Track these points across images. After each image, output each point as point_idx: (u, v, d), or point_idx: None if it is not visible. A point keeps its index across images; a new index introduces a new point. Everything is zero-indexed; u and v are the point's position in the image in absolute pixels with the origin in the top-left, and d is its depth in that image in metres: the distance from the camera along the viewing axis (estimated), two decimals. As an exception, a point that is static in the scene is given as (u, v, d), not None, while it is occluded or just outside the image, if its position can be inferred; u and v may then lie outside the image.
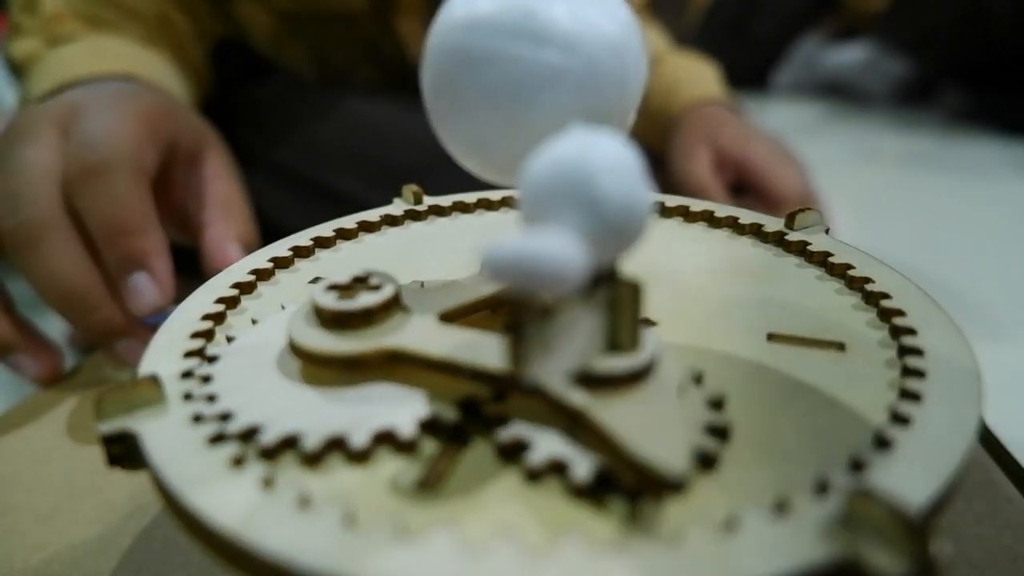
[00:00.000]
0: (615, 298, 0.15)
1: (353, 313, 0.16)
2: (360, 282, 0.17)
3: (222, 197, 0.35)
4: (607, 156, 0.13)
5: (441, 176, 0.32)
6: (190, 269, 0.34)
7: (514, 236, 0.12)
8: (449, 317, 0.17)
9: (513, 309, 0.13)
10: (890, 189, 0.91)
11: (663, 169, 0.59)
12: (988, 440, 0.26)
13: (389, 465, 0.14)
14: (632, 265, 0.20)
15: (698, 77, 0.64)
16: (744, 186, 0.57)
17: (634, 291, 0.15)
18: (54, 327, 0.32)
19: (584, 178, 0.13)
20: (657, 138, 0.60)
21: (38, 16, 0.42)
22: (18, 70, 0.43)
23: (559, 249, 0.12)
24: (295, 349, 0.16)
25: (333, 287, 0.17)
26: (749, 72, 1.33)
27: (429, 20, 0.16)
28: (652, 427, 0.13)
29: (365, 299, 0.17)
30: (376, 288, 0.17)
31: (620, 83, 0.16)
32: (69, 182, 0.30)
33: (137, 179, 0.30)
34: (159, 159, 0.33)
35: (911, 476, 0.13)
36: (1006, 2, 1.03)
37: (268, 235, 0.36)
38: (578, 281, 0.12)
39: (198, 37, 0.50)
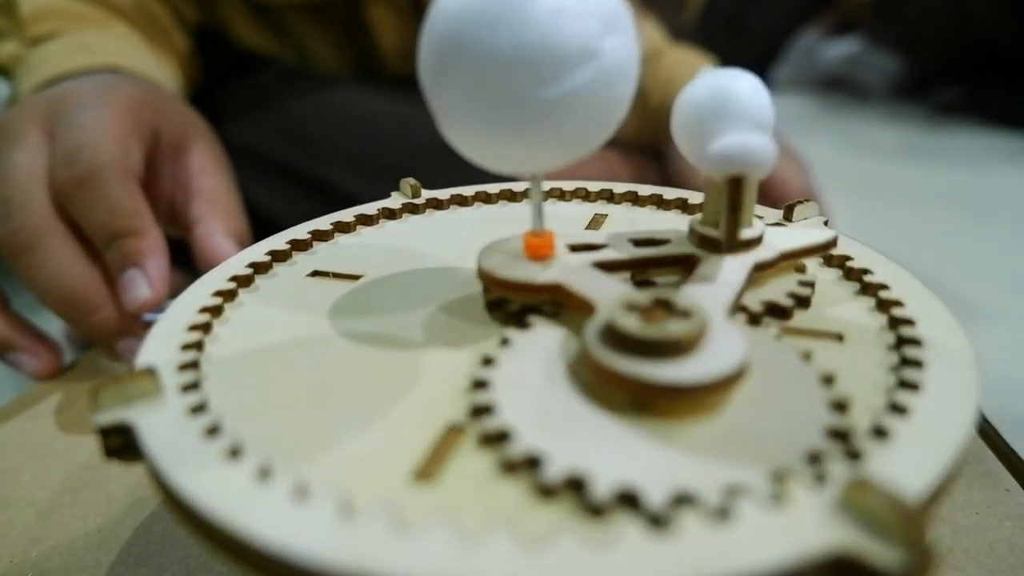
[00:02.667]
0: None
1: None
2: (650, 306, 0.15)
3: (210, 191, 0.35)
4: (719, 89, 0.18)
5: (434, 169, 0.32)
6: (188, 262, 0.34)
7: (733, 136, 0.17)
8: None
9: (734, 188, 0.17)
10: (884, 180, 0.91)
11: (664, 164, 0.60)
12: (986, 431, 0.26)
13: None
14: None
15: (697, 72, 0.64)
16: None
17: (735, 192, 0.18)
18: (52, 322, 0.32)
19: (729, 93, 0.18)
20: (656, 133, 0.61)
21: (15, 17, 0.42)
22: (3, 72, 0.42)
23: (761, 141, 0.17)
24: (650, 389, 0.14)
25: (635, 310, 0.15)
26: (747, 67, 1.33)
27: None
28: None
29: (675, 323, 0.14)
30: (666, 304, 0.15)
31: (631, 67, 0.16)
32: (59, 191, 0.30)
33: (126, 182, 0.30)
34: (144, 152, 0.33)
35: (909, 465, 0.13)
36: (990, 1, 1.04)
37: (258, 228, 0.36)
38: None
39: (179, 26, 0.50)
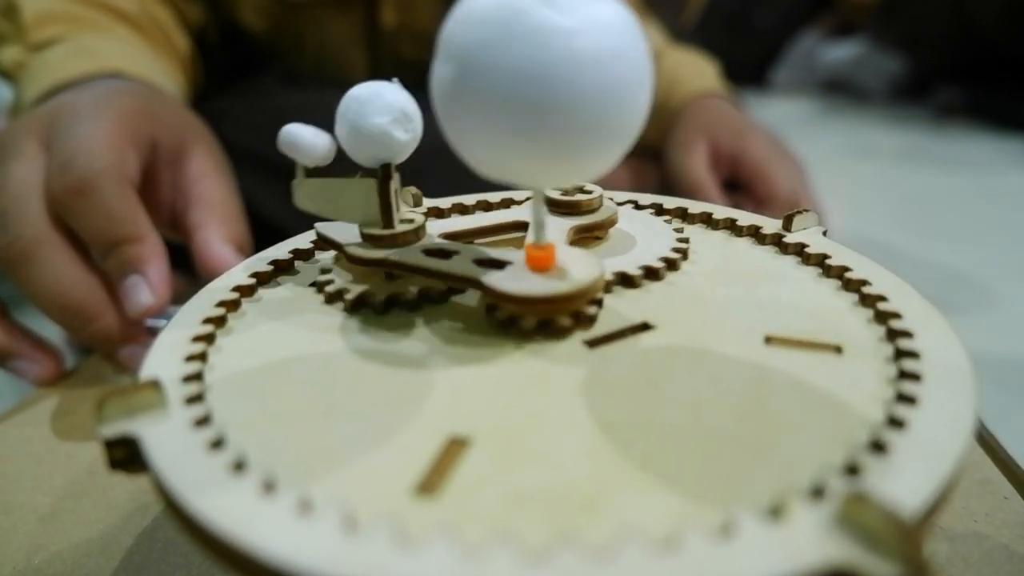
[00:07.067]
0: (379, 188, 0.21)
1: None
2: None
3: (209, 197, 0.35)
4: (368, 93, 0.20)
5: (436, 172, 0.32)
6: (187, 266, 0.34)
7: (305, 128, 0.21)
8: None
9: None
10: (885, 182, 0.91)
11: (662, 163, 0.60)
12: (985, 438, 0.26)
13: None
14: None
15: (698, 71, 0.64)
16: (738, 182, 0.57)
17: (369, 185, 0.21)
18: (52, 328, 0.32)
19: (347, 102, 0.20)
20: (657, 132, 0.61)
21: (18, 22, 0.42)
22: (7, 77, 0.42)
23: (312, 134, 0.21)
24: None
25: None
26: (748, 68, 1.33)
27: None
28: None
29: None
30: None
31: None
32: (55, 200, 0.30)
33: (122, 189, 0.30)
34: (141, 162, 0.33)
35: (907, 480, 0.13)
36: (988, 3, 1.04)
37: (260, 231, 0.36)
38: (322, 157, 0.21)
39: (182, 29, 0.50)
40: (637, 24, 0.16)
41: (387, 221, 0.21)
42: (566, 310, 0.18)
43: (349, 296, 0.20)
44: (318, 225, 0.23)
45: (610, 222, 0.23)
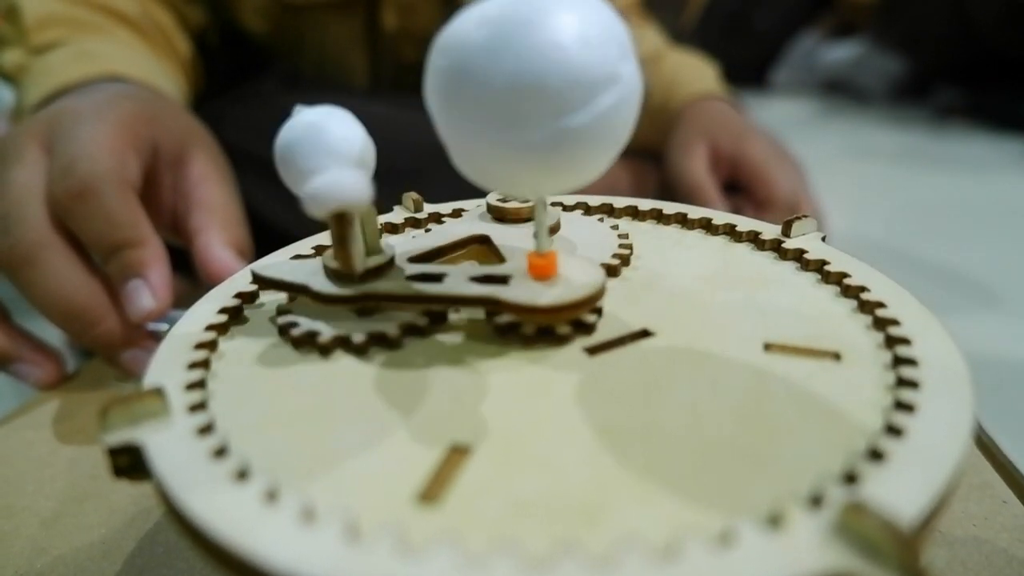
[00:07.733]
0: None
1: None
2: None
3: (210, 201, 0.35)
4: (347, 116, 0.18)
5: (434, 177, 0.32)
6: (189, 270, 0.34)
7: (324, 175, 0.16)
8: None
9: (339, 224, 0.17)
10: (885, 183, 0.91)
11: (662, 165, 0.60)
12: (983, 441, 0.26)
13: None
14: (630, 271, 0.21)
15: (698, 73, 0.64)
16: (738, 185, 0.57)
17: (369, 211, 0.19)
18: (52, 331, 0.32)
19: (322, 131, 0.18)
20: (657, 134, 0.61)
21: (19, 25, 0.42)
22: (8, 80, 0.42)
23: (351, 174, 0.16)
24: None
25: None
26: (748, 69, 1.33)
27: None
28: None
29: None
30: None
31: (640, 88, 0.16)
32: (57, 204, 0.30)
33: (123, 193, 0.30)
34: (142, 166, 0.33)
35: (905, 488, 0.13)
36: (988, 4, 1.04)
37: (261, 234, 0.36)
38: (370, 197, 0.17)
39: (183, 32, 0.50)
40: (626, 31, 0.16)
41: (378, 247, 0.20)
42: (584, 312, 0.18)
43: (359, 339, 0.18)
44: (256, 267, 0.20)
45: (555, 228, 0.23)
